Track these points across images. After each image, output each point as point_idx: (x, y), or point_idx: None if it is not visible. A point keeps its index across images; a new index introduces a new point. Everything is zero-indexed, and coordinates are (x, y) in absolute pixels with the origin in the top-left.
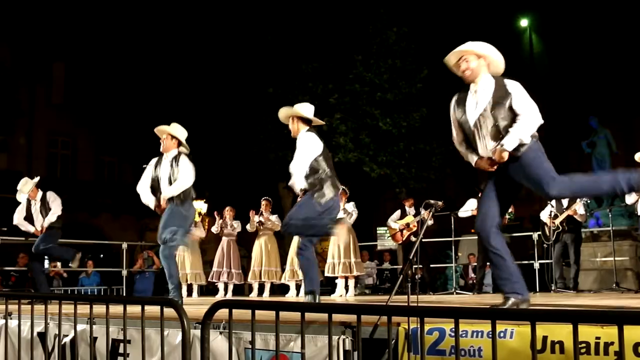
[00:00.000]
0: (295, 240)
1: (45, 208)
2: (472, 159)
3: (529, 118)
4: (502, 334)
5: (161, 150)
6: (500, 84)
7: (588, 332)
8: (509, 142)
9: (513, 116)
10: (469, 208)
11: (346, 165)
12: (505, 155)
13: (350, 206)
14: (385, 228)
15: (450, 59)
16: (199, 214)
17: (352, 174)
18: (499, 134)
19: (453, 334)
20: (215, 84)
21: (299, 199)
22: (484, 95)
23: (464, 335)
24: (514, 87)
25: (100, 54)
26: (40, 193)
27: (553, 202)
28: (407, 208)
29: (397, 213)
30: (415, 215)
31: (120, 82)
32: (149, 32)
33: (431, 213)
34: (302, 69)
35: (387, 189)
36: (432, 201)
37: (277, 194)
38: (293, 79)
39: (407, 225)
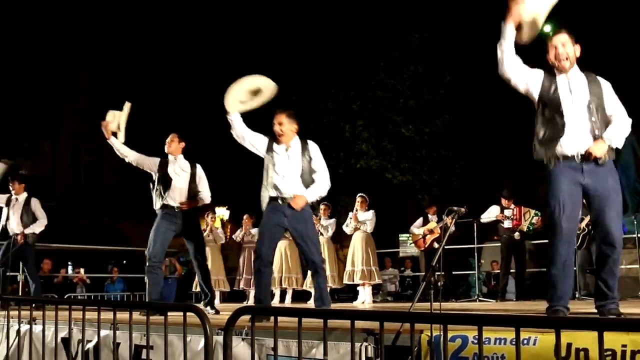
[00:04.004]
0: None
1: (29, 212)
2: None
3: (624, 120)
4: (525, 342)
5: (169, 151)
6: (593, 77)
7: (614, 340)
8: (616, 137)
9: (605, 115)
10: (491, 214)
11: (368, 172)
12: (604, 152)
13: (369, 214)
14: (408, 235)
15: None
16: (221, 220)
17: (374, 181)
18: (592, 129)
19: (476, 342)
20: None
21: (303, 216)
22: (581, 84)
23: (486, 342)
24: (606, 84)
25: (122, 62)
26: (25, 194)
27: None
28: (429, 216)
29: (420, 220)
30: (438, 222)
31: (142, 89)
32: (170, 41)
33: (454, 219)
34: (325, 75)
35: (409, 196)
36: (455, 207)
37: None
38: (316, 85)
39: (431, 231)
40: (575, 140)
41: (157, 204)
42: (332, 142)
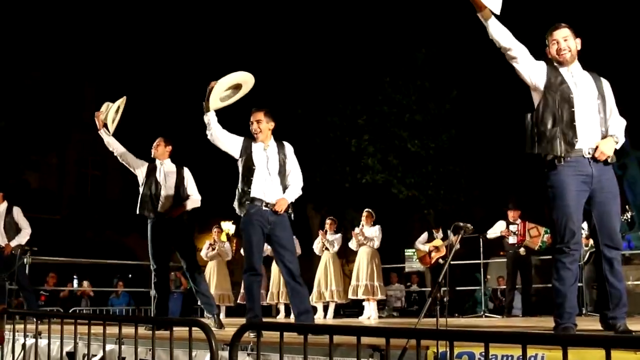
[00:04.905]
0: (323, 261)
1: (11, 222)
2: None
3: (621, 119)
4: (532, 359)
5: (155, 156)
6: (595, 75)
7: (621, 358)
8: (621, 134)
9: (606, 112)
10: (497, 230)
11: (374, 187)
12: (612, 151)
13: (375, 230)
14: (413, 250)
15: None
16: (227, 234)
17: (380, 196)
18: (596, 128)
19: (482, 358)
20: (244, 105)
21: (284, 223)
22: (586, 79)
23: (493, 359)
24: (607, 83)
25: (129, 77)
26: (5, 203)
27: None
28: (434, 232)
29: (424, 235)
30: (443, 239)
31: (149, 103)
32: (178, 56)
33: (459, 237)
34: (331, 90)
35: (415, 211)
36: (461, 224)
37: (305, 214)
38: (322, 100)
39: (437, 248)
40: (585, 133)
41: (144, 210)
42: (338, 157)
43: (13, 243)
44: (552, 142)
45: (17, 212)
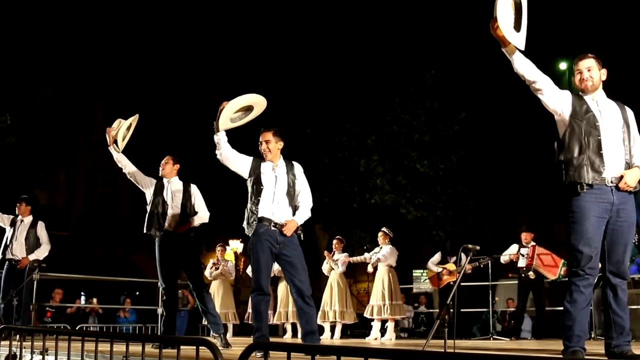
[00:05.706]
0: (329, 281)
1: (34, 236)
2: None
3: None
4: None
5: (163, 174)
6: (620, 104)
7: None
8: None
9: (631, 142)
10: (508, 253)
11: (383, 207)
12: (634, 183)
13: (385, 249)
14: (421, 270)
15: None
16: (235, 253)
17: (389, 216)
18: (621, 157)
19: None
20: (254, 125)
21: (293, 242)
22: (612, 108)
23: None
24: (631, 112)
25: (139, 94)
26: (30, 217)
27: None
28: (448, 257)
29: (438, 256)
30: (455, 262)
31: (160, 121)
32: (188, 73)
33: (468, 258)
34: (340, 110)
35: (423, 232)
36: (469, 245)
37: (313, 235)
38: (331, 120)
39: (449, 271)
40: (610, 161)
41: (151, 229)
42: (347, 177)
43: (31, 257)
44: (579, 170)
45: (41, 227)
